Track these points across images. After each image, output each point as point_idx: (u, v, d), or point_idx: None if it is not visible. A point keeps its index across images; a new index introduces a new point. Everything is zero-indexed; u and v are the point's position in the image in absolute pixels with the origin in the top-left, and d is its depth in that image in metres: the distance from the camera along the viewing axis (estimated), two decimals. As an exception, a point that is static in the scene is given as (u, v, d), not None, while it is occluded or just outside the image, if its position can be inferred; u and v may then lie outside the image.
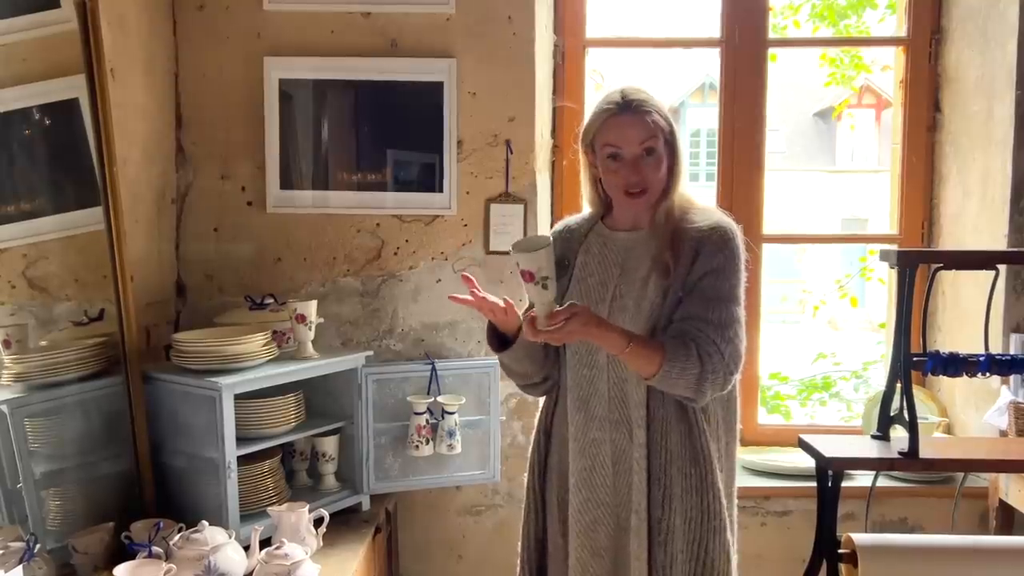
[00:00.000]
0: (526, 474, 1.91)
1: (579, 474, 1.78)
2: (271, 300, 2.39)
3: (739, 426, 1.83)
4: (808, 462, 2.16)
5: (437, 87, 2.54)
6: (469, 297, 1.72)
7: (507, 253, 2.55)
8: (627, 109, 1.72)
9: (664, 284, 1.70)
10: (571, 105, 2.78)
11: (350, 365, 2.32)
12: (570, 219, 1.93)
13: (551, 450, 1.86)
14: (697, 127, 15.24)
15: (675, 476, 1.71)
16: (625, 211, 1.81)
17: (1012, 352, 2.46)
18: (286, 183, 2.59)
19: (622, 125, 1.72)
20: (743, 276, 1.74)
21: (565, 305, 1.63)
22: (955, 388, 2.76)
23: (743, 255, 1.74)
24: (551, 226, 2.74)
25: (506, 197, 2.58)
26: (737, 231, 1.75)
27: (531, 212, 2.58)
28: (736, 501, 1.83)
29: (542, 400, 1.93)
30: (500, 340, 1.80)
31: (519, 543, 1.91)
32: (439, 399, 2.42)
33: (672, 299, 1.70)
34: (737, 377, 1.72)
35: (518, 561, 1.91)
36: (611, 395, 1.75)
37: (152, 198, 2.46)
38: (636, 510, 1.73)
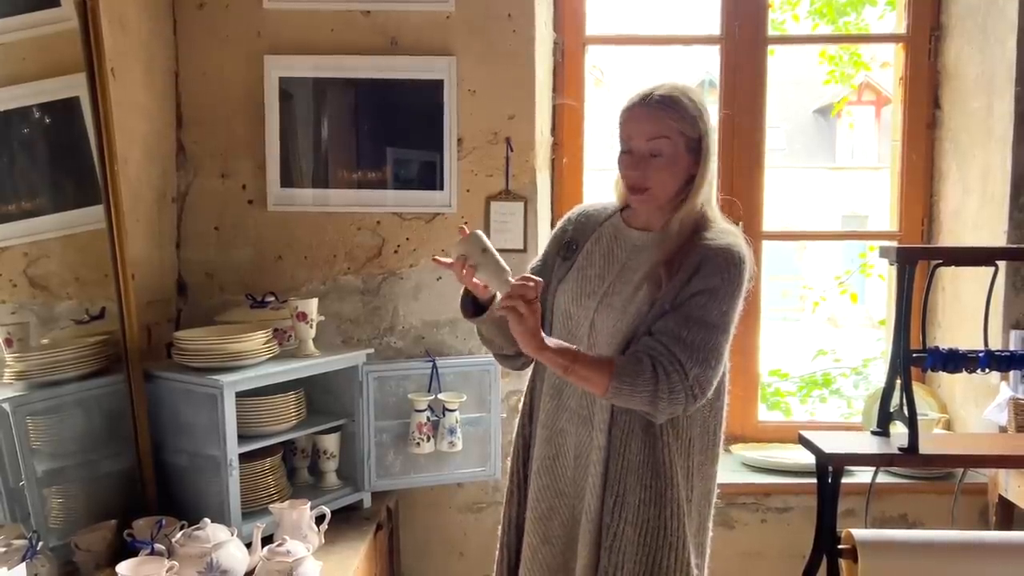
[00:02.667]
0: (510, 458, 1.88)
1: (542, 461, 1.76)
2: (272, 298, 2.40)
3: (720, 448, 1.75)
4: (808, 458, 2.16)
5: (437, 85, 2.54)
6: (451, 260, 1.66)
7: (509, 252, 2.56)
8: (646, 103, 1.66)
9: (653, 297, 1.64)
10: (571, 103, 2.79)
11: (351, 363, 2.32)
12: (592, 205, 1.88)
13: (534, 433, 1.82)
14: (697, 124, 15.16)
15: (632, 485, 1.65)
16: (635, 208, 1.75)
17: (1011, 348, 2.46)
18: (286, 181, 2.59)
19: (636, 118, 1.67)
20: (738, 306, 1.65)
21: (518, 281, 1.57)
22: (955, 384, 2.77)
23: (745, 285, 1.65)
24: (551, 224, 2.76)
25: (506, 195, 2.58)
26: (747, 259, 1.66)
27: (531, 210, 2.58)
28: (711, 525, 1.76)
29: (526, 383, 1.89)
30: (475, 306, 1.72)
31: (499, 525, 1.89)
32: (440, 396, 2.42)
33: (657, 311, 1.63)
34: (703, 401, 1.63)
35: (497, 544, 1.89)
36: (583, 390, 1.70)
37: (153, 197, 2.47)
38: (586, 511, 1.70)
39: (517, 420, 1.89)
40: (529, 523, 1.78)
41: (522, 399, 1.89)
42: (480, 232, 1.62)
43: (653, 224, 1.73)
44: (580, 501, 1.73)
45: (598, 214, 1.83)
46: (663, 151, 1.65)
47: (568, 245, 1.81)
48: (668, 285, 1.63)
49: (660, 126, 1.65)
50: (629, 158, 1.68)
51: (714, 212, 1.72)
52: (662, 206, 1.70)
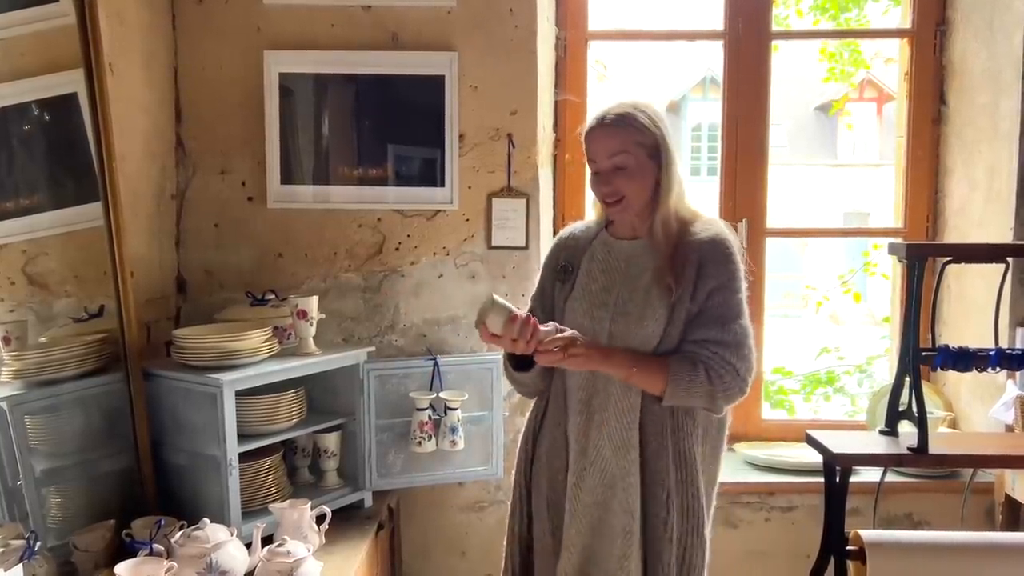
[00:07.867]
0: (514, 471, 1.95)
1: (578, 475, 1.81)
2: (272, 296, 2.38)
3: (727, 432, 1.87)
4: (812, 457, 2.15)
5: (438, 81, 2.52)
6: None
7: (511, 249, 2.55)
8: (602, 124, 1.80)
9: (668, 301, 1.75)
10: (573, 98, 2.77)
11: (352, 361, 2.31)
12: (576, 226, 1.98)
13: (539, 452, 1.90)
14: (698, 121, 15.23)
15: (663, 475, 1.76)
16: (617, 219, 1.86)
17: (1020, 346, 2.44)
18: (287, 178, 2.57)
19: (596, 139, 1.80)
20: (745, 286, 1.80)
21: (564, 333, 1.72)
22: (960, 382, 2.75)
23: (742, 264, 1.80)
24: (554, 221, 2.75)
25: (508, 192, 2.56)
26: (736, 243, 1.81)
27: (533, 206, 2.56)
28: (715, 501, 1.88)
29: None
30: (518, 361, 1.85)
31: (504, 537, 1.94)
32: (441, 395, 2.41)
33: (680, 314, 1.75)
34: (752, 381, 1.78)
35: (503, 555, 1.94)
36: (612, 398, 1.79)
37: (152, 194, 2.45)
38: (626, 508, 1.77)
39: (521, 435, 1.95)
40: (572, 537, 1.81)
41: (528, 416, 1.95)
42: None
43: (639, 231, 1.84)
44: (615, 506, 1.79)
45: (584, 234, 1.93)
46: (626, 163, 1.78)
47: (564, 268, 1.90)
48: (678, 286, 1.74)
49: (617, 142, 1.78)
50: (598, 177, 1.82)
51: (691, 207, 1.84)
52: (640, 212, 1.81)
